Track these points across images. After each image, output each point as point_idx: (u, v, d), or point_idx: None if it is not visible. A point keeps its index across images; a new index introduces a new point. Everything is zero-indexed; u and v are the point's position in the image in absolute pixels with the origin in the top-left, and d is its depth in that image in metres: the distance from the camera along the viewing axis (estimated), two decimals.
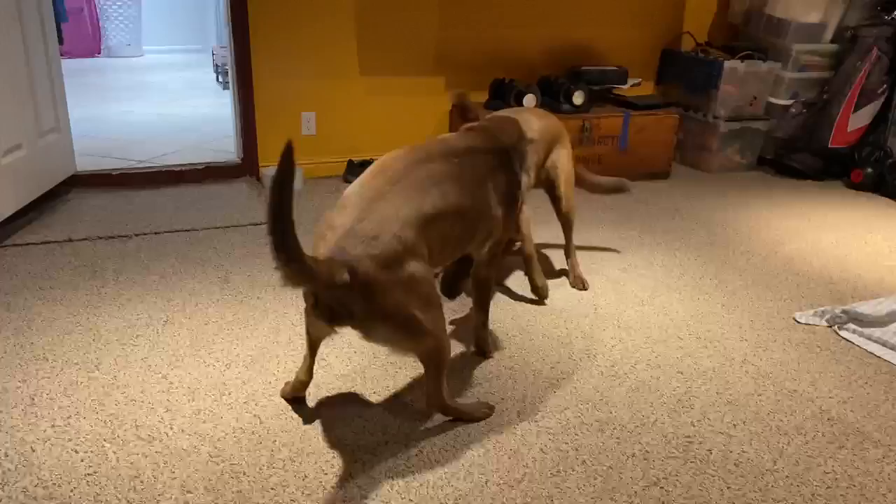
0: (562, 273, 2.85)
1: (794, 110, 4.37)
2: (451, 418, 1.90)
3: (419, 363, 1.80)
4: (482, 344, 2.24)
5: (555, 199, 2.64)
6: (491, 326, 2.35)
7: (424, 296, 1.67)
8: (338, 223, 1.64)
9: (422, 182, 1.72)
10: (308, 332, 1.89)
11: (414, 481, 1.68)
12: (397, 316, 1.63)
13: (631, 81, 4.31)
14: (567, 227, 2.74)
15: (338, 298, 1.59)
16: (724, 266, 2.98)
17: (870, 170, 4.11)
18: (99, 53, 7.99)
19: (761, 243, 3.25)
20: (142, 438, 1.79)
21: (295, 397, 1.96)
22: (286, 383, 2.00)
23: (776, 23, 4.30)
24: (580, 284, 2.73)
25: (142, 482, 1.64)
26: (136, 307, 2.46)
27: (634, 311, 2.57)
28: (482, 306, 2.21)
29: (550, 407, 1.98)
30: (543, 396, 2.03)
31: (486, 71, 4.12)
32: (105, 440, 1.78)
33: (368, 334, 1.68)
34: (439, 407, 1.87)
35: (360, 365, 2.15)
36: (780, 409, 2.01)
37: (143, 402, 1.94)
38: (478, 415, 1.92)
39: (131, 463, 1.70)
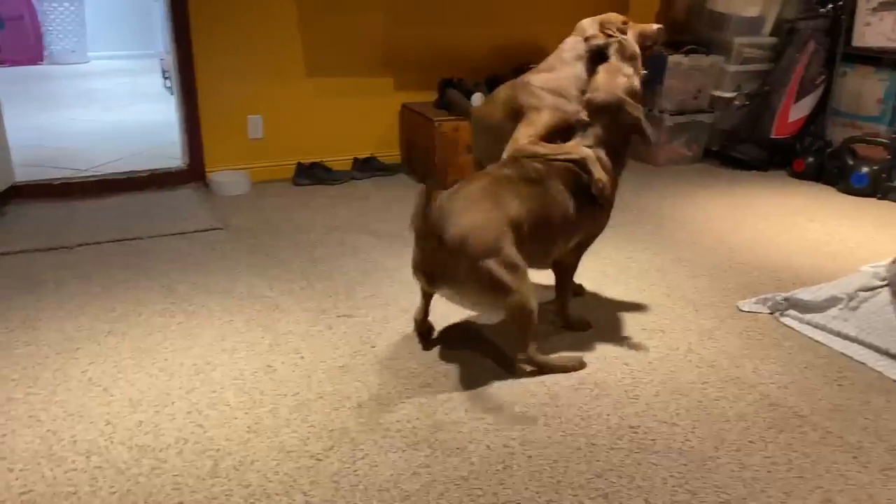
0: None
1: (737, 103, 4.46)
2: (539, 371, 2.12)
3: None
4: (569, 320, 2.43)
5: None
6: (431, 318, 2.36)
7: (510, 262, 1.98)
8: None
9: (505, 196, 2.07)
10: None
11: (360, 484, 1.67)
12: (484, 276, 1.95)
13: None
14: None
15: (439, 259, 1.98)
16: (669, 258, 3.02)
17: (811, 159, 4.21)
18: (42, 61, 7.79)
19: (707, 234, 3.31)
20: (80, 454, 1.75)
21: (422, 332, 2.32)
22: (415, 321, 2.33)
23: (717, 17, 4.38)
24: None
25: (79, 498, 1.60)
26: (77, 319, 2.41)
27: (581, 304, 2.59)
28: (563, 289, 2.42)
29: (497, 403, 1.99)
30: (490, 393, 2.03)
31: (434, 70, 4.11)
32: (41, 457, 1.73)
33: (462, 293, 2.07)
34: (527, 360, 2.11)
35: (306, 370, 2.14)
36: (723, 397, 2.05)
37: (82, 416, 1.90)
38: (570, 366, 2.16)
39: (69, 479, 1.66)
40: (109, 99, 6.11)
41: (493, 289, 1.98)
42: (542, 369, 2.13)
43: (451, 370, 2.15)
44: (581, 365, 2.17)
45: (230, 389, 2.03)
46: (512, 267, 1.98)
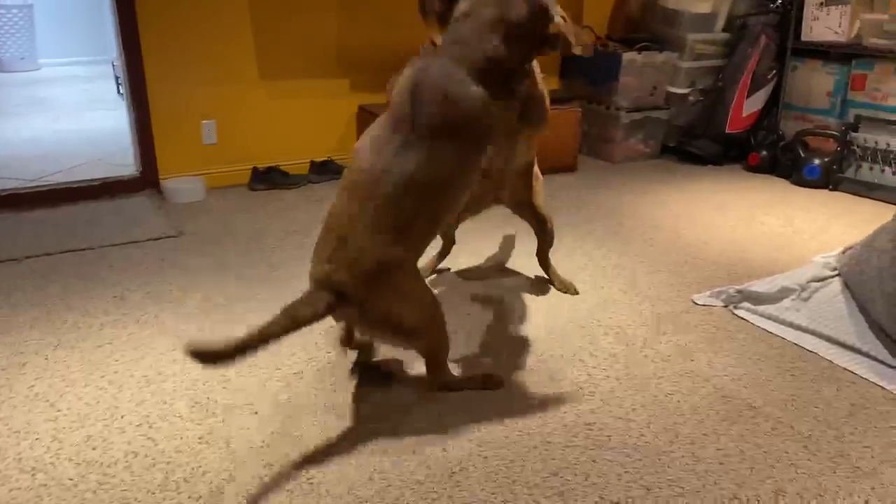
0: (471, 267, 2.87)
1: (692, 98, 4.51)
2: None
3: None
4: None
5: None
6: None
7: (414, 300, 1.87)
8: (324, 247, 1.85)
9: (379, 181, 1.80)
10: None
11: (313, 493, 1.64)
12: (388, 324, 1.85)
13: None
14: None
15: (341, 316, 1.90)
16: (626, 254, 3.05)
17: (765, 152, 4.28)
18: None
19: (663, 229, 3.34)
20: (24, 471, 1.70)
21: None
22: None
23: (670, 14, 4.43)
24: None
25: None
26: (24, 333, 2.34)
27: (538, 302, 2.59)
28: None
29: (452, 404, 1.98)
30: (446, 395, 2.02)
31: (390, 71, 4.08)
32: None
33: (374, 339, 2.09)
34: (441, 388, 2.03)
35: (260, 378, 2.11)
36: (677, 391, 2.07)
37: (27, 432, 1.84)
38: (486, 384, 2.07)
39: (13, 498, 1.61)
40: (60, 107, 5.98)
41: (401, 337, 1.95)
42: (462, 389, 2.04)
43: (406, 374, 2.14)
44: (498, 385, 2.07)
45: (182, 400, 1.99)
46: (416, 305, 1.90)
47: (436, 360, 2.00)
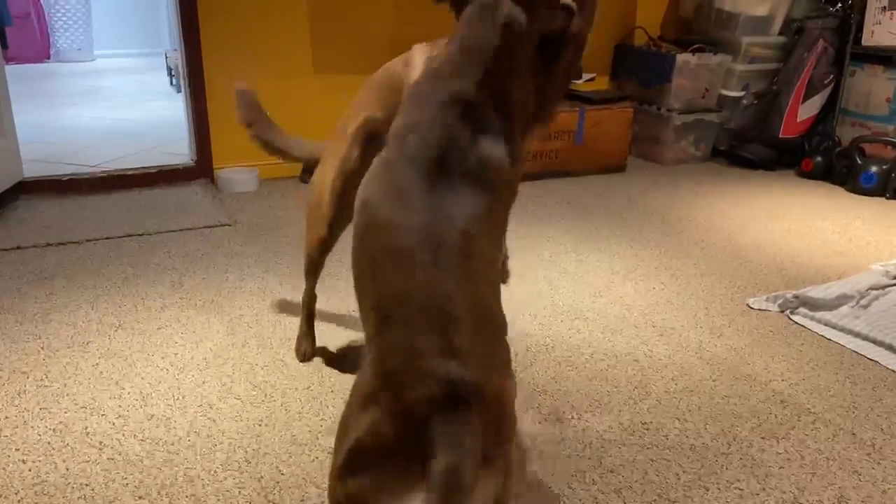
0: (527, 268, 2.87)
1: (745, 102, 4.45)
2: None
3: None
4: None
5: None
6: None
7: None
8: None
9: None
10: None
11: None
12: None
13: (585, 77, 4.34)
14: None
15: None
16: (678, 256, 3.02)
17: (819, 158, 4.20)
18: (48, 58, 7.82)
19: (715, 233, 3.30)
20: (92, 446, 1.75)
21: None
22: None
23: (725, 16, 4.37)
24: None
25: (92, 490, 1.60)
26: (87, 314, 2.41)
27: (591, 301, 2.58)
28: None
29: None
30: None
31: None
32: (54, 448, 1.73)
33: None
34: None
35: (317, 364, 2.13)
36: (734, 394, 2.04)
37: (93, 409, 1.90)
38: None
39: (81, 471, 1.66)
40: (116, 96, 6.13)
41: None
42: None
43: None
44: None
45: (241, 383, 2.03)
46: None
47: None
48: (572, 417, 1.91)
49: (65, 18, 7.70)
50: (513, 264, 2.90)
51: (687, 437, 1.84)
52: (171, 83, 6.47)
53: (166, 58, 6.69)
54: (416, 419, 0.99)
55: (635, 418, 1.91)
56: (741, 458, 1.76)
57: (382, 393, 1.04)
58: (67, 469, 1.67)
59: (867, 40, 4.07)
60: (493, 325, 1.16)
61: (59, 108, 5.57)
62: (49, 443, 1.76)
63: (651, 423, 1.90)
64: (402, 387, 1.02)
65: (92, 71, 7.44)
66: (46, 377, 2.03)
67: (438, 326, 1.05)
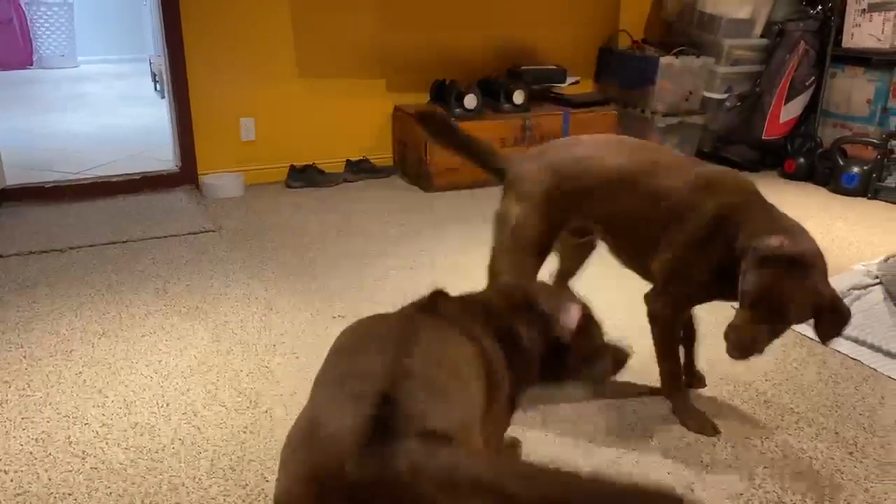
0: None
1: (728, 104, 4.48)
2: None
3: None
4: None
5: None
6: None
7: None
8: None
9: None
10: None
11: None
12: None
13: (570, 80, 4.36)
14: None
15: None
16: None
17: (802, 159, 4.23)
18: (31, 65, 7.76)
19: None
20: (75, 455, 1.74)
21: None
22: None
23: (708, 19, 4.40)
24: None
25: (75, 499, 1.59)
26: (70, 322, 2.39)
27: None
28: None
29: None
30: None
31: (427, 72, 4.12)
32: (36, 458, 1.72)
33: None
34: None
35: (302, 370, 2.13)
36: (718, 394, 2.06)
37: (76, 418, 1.88)
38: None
39: (64, 480, 1.65)
40: (100, 102, 6.09)
41: None
42: None
43: None
44: None
45: (226, 390, 2.02)
46: None
47: None
48: (555, 421, 1.91)
49: (48, 24, 7.64)
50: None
51: (672, 437, 1.85)
52: (156, 89, 6.44)
53: (150, 63, 6.66)
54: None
55: (622, 421, 1.92)
56: (725, 458, 1.77)
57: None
58: (50, 479, 1.65)
59: (847, 42, 4.11)
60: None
61: (42, 115, 5.53)
62: (31, 453, 1.74)
63: (636, 424, 1.90)
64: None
65: (75, 77, 7.40)
66: (29, 386, 2.02)
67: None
